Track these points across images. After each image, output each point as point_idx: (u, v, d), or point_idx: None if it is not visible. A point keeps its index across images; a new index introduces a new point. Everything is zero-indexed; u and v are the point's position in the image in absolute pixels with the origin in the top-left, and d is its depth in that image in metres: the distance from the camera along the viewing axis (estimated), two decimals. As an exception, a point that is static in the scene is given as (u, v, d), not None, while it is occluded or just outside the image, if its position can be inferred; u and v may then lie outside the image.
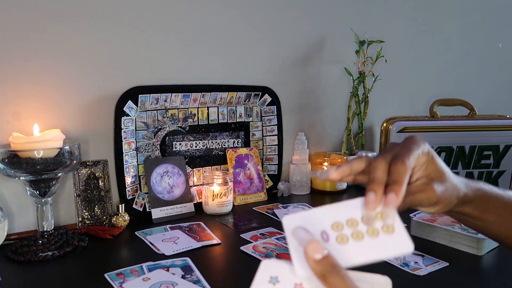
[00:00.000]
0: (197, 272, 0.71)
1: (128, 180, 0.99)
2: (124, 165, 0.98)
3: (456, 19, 1.57)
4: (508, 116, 1.43)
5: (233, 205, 1.08)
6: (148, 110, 1.02)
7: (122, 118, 0.97)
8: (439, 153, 1.37)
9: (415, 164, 0.43)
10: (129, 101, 0.98)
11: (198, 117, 1.10)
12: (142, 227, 0.94)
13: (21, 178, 0.81)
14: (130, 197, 1.00)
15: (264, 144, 1.21)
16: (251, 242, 0.84)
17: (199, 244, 0.84)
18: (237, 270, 0.76)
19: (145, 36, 1.03)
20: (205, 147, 1.12)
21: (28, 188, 0.83)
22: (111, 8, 0.97)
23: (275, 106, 1.19)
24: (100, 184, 0.96)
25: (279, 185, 1.20)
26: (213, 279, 0.69)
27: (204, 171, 1.11)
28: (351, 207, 0.38)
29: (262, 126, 1.20)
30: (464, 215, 0.53)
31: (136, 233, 0.91)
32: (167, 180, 1.03)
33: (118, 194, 0.99)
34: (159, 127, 1.04)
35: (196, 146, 1.10)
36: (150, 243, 0.85)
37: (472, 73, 1.63)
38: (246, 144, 1.19)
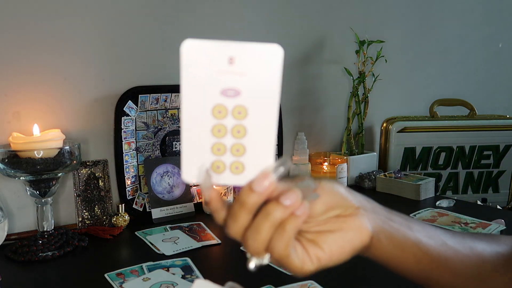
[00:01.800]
0: (197, 272, 0.71)
1: (128, 180, 0.99)
2: (124, 165, 0.98)
3: (456, 19, 1.57)
4: (508, 116, 1.43)
5: (233, 205, 1.08)
6: (148, 110, 1.02)
7: (122, 118, 0.97)
8: (439, 153, 1.37)
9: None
10: (129, 101, 0.98)
11: (198, 117, 1.10)
12: (142, 227, 0.94)
13: (21, 178, 0.81)
14: (130, 197, 1.00)
15: (264, 144, 1.20)
16: (251, 242, 0.84)
17: (199, 244, 0.84)
18: (237, 270, 0.76)
19: (145, 36, 1.02)
20: (205, 147, 1.11)
21: (28, 188, 0.82)
22: (111, 8, 0.97)
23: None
24: (100, 184, 0.96)
25: (279, 185, 1.20)
26: (213, 279, 0.69)
27: (204, 171, 1.11)
28: None
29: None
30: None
31: (136, 233, 0.91)
32: (167, 180, 1.03)
33: (118, 194, 0.99)
34: (159, 127, 1.04)
35: (196, 146, 1.10)
36: (150, 243, 0.85)
37: (472, 73, 1.63)
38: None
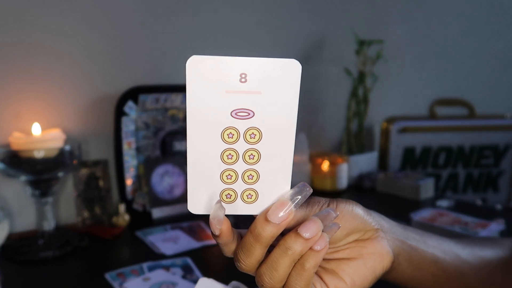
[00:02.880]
0: (197, 272, 0.72)
1: (128, 180, 0.99)
2: (124, 165, 0.98)
3: (456, 19, 1.57)
4: (508, 115, 1.44)
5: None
6: (148, 110, 1.02)
7: (122, 118, 0.97)
8: (439, 153, 1.37)
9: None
10: (129, 101, 0.98)
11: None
12: (142, 227, 0.94)
13: (22, 178, 0.81)
14: (130, 197, 1.00)
15: (264, 144, 1.20)
16: (251, 242, 0.84)
17: (199, 244, 0.84)
18: (237, 270, 0.76)
19: (145, 35, 1.03)
20: (205, 147, 1.11)
21: (28, 188, 0.83)
22: (111, 8, 0.97)
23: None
24: (100, 184, 0.96)
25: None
26: (213, 279, 0.69)
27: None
28: None
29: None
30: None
31: (136, 233, 0.91)
32: (167, 180, 1.03)
33: (118, 194, 1.00)
34: (159, 127, 1.04)
35: (196, 146, 1.10)
36: (150, 243, 0.85)
37: (472, 73, 1.63)
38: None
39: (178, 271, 0.72)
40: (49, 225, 0.84)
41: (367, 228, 0.36)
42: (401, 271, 0.38)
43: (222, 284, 0.35)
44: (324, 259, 0.36)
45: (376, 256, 0.35)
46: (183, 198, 1.03)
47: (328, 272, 0.35)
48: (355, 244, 0.36)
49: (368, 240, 0.36)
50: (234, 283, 0.36)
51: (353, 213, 0.35)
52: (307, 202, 0.33)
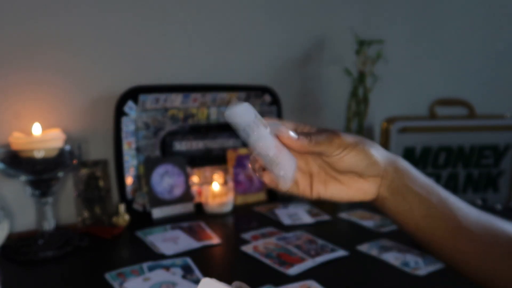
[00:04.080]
0: (197, 272, 0.72)
1: (128, 180, 0.99)
2: (124, 165, 0.98)
3: (456, 19, 1.57)
4: (508, 115, 1.44)
5: (234, 205, 1.09)
6: (148, 110, 1.02)
7: (122, 118, 0.97)
8: (439, 153, 1.37)
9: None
10: (129, 101, 0.98)
11: (198, 117, 1.10)
12: (142, 227, 0.94)
13: (22, 178, 0.81)
14: (130, 197, 1.00)
15: (264, 144, 1.20)
16: (251, 242, 0.85)
17: (199, 244, 0.84)
18: (237, 270, 0.76)
19: (145, 36, 1.03)
20: (205, 147, 1.12)
21: (28, 188, 0.83)
22: (111, 8, 0.97)
23: (275, 106, 1.20)
24: (100, 184, 0.96)
25: (279, 185, 1.20)
26: (215, 279, 0.69)
27: (204, 171, 1.11)
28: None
29: (262, 126, 1.20)
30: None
31: (136, 233, 0.91)
32: (167, 180, 1.03)
33: (118, 194, 1.00)
34: (159, 127, 1.04)
35: (196, 146, 1.10)
36: (150, 243, 0.85)
37: (472, 73, 1.63)
38: (246, 144, 1.18)
39: (178, 271, 0.72)
40: (49, 225, 0.84)
41: (370, 173, 0.43)
42: (387, 209, 0.45)
43: (224, 284, 0.35)
44: (325, 171, 0.45)
45: (360, 191, 0.44)
46: (183, 198, 1.03)
47: (319, 182, 0.45)
48: (352, 175, 0.44)
49: (362, 178, 0.44)
50: (236, 283, 0.36)
51: (367, 154, 0.43)
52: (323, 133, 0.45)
